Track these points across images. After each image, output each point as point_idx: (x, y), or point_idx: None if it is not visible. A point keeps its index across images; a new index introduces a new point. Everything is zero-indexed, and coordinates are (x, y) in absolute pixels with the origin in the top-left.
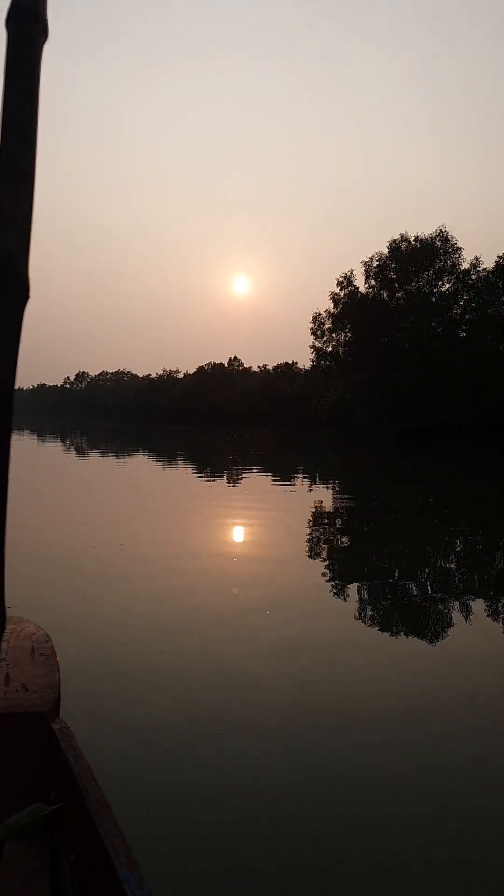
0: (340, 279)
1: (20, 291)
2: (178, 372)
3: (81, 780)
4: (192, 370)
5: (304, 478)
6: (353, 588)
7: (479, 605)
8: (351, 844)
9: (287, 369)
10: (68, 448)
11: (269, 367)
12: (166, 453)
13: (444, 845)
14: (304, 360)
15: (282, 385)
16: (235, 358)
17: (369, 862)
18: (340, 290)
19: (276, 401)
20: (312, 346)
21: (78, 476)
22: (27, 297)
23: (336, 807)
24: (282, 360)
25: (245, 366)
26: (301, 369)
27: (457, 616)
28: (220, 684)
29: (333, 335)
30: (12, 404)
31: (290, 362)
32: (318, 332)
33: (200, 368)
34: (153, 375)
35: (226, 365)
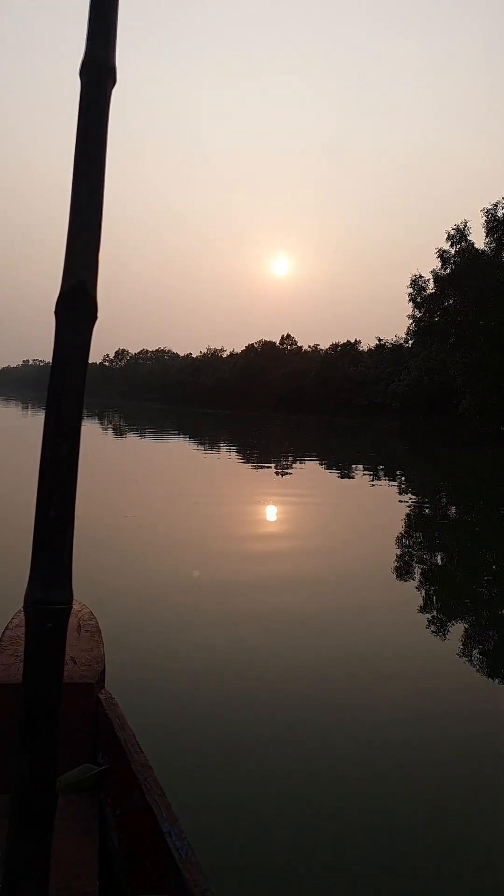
0: (451, 232)
1: (89, 313)
2: (223, 351)
3: (126, 744)
4: (237, 350)
5: None
6: None
7: None
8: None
9: (349, 349)
10: (104, 429)
11: (322, 347)
12: (248, 454)
13: None
14: (367, 339)
15: (343, 366)
16: (288, 336)
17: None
18: (451, 245)
19: (337, 383)
20: (411, 316)
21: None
22: (95, 318)
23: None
24: (337, 340)
25: (297, 345)
26: (363, 350)
27: None
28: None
29: (436, 304)
30: (82, 411)
31: (353, 341)
32: (418, 300)
33: (250, 346)
34: (195, 355)
35: (277, 343)
